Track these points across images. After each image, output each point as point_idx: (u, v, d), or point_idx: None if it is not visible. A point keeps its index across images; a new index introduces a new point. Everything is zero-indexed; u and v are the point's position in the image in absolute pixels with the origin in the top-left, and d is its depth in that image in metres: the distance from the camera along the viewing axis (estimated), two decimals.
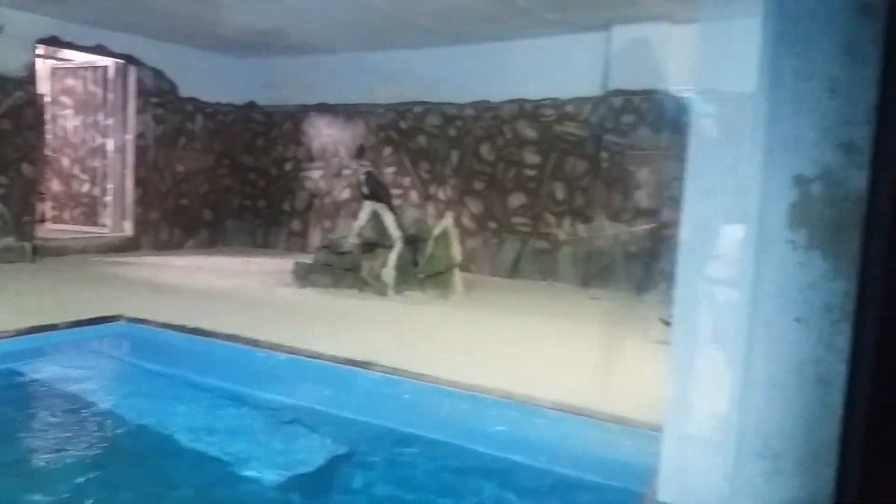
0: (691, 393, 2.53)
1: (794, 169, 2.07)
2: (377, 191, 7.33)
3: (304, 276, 7.08)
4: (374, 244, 6.95)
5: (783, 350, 2.05)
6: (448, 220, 7.09)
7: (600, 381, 4.22)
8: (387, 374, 4.02)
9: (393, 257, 6.73)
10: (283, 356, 4.41)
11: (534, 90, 8.44)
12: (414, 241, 6.94)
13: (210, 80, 10.46)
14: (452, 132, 9.16)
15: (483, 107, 8.89)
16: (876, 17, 2.07)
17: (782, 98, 2.10)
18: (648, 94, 7.49)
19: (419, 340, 5.03)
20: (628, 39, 7.54)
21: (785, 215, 2.07)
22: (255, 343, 4.59)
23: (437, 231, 6.95)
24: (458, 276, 6.99)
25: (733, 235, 2.24)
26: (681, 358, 2.45)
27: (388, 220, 7.04)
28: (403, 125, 9.55)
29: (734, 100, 2.47)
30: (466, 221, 8.95)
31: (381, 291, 6.62)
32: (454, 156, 9.17)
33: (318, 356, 4.33)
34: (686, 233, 2.37)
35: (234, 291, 6.73)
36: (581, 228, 8.20)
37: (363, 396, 3.99)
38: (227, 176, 10.99)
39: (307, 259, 7.38)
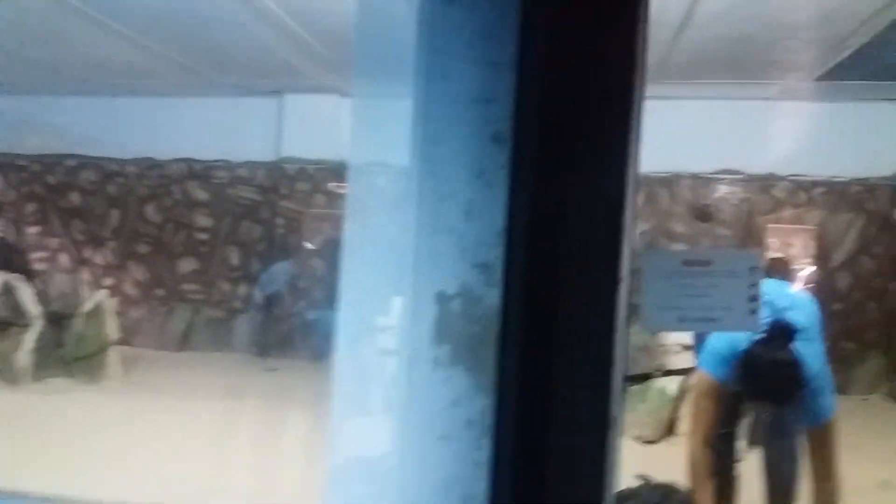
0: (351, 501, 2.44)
1: (437, 286, 2.12)
2: (11, 259, 6.27)
3: None
4: (5, 323, 5.89)
5: (429, 469, 2.06)
6: (102, 294, 6.32)
7: (271, 472, 3.98)
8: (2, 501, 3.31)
9: (30, 339, 5.77)
10: None
11: (204, 151, 8.02)
12: (59, 319, 6.05)
13: None
14: (112, 190, 8.30)
15: (148, 164, 8.20)
16: (505, 145, 2.25)
17: (424, 215, 2.16)
18: (321, 163, 7.56)
19: (56, 445, 4.30)
20: (300, 108, 7.57)
21: (429, 332, 2.09)
22: None
23: (88, 306, 6.14)
24: (114, 357, 6.22)
25: (383, 357, 2.22)
26: (337, 471, 2.35)
27: (25, 293, 6.05)
28: (51, 180, 8.40)
29: (388, 197, 2.49)
30: (129, 289, 8.11)
31: (14, 380, 5.62)
32: (114, 216, 8.29)
33: None
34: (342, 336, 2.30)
35: None
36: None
37: None
38: None
39: None
